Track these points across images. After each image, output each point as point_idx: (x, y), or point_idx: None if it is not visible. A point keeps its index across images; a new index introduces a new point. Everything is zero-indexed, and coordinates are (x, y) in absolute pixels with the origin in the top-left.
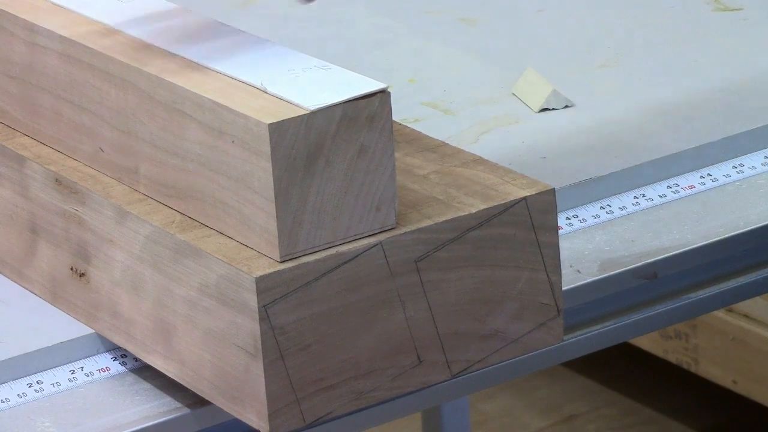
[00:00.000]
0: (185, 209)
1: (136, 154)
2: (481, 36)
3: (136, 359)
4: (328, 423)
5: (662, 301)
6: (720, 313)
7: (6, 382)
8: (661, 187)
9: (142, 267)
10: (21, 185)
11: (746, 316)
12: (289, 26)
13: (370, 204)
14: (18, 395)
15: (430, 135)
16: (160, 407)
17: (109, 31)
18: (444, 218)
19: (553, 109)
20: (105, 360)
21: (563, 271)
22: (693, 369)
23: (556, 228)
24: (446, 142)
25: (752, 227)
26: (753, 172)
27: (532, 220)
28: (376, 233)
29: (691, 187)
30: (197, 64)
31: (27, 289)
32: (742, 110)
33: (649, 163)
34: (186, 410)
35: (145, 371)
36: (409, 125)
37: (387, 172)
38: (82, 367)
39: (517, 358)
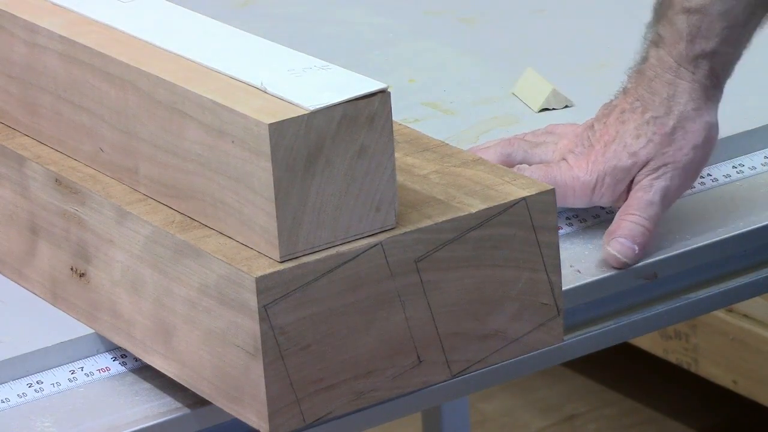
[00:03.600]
0: (185, 209)
1: (136, 154)
2: (481, 36)
3: (136, 359)
4: (328, 423)
5: (662, 301)
6: (720, 313)
7: (6, 382)
8: None
9: (142, 267)
10: (21, 185)
11: (746, 316)
12: (289, 26)
13: (370, 204)
14: (18, 395)
15: (430, 135)
16: (160, 407)
17: (109, 31)
18: (444, 218)
19: (553, 109)
20: (105, 360)
21: (563, 271)
22: (693, 369)
23: (556, 228)
24: (446, 142)
25: (752, 227)
26: (753, 172)
27: (532, 220)
28: (376, 233)
29: (691, 187)
30: (197, 64)
31: (27, 289)
32: (742, 110)
33: None
34: (186, 410)
35: (145, 371)
36: (409, 125)
37: (387, 172)
38: (82, 367)
39: (517, 358)
